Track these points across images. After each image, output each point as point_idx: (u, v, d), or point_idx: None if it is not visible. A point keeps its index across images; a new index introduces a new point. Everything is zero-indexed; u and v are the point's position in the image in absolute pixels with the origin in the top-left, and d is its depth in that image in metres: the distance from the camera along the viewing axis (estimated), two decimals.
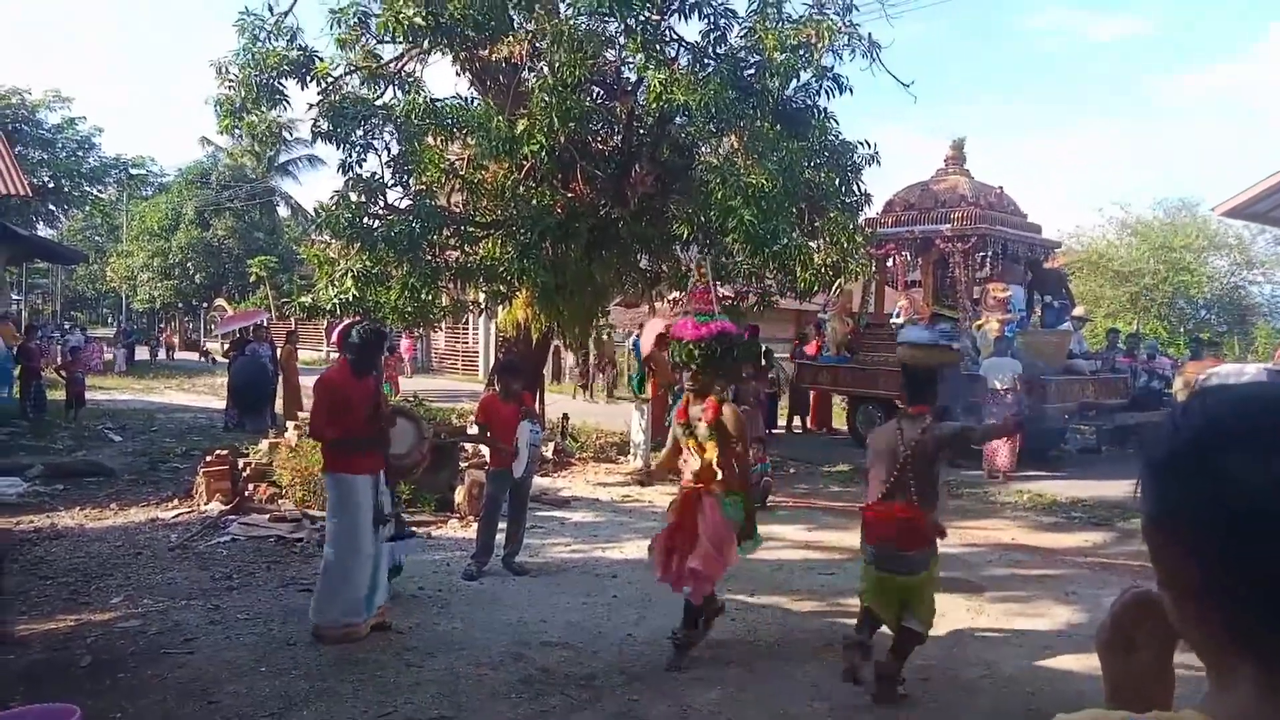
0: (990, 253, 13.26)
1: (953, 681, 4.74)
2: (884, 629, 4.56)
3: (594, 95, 9.98)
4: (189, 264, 38.81)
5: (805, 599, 6.26)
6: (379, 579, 5.40)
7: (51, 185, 33.70)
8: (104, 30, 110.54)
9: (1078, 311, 13.41)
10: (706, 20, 9.56)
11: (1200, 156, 64.28)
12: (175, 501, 8.90)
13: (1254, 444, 0.73)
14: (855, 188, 9.96)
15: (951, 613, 5.89)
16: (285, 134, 10.29)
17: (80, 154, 36.16)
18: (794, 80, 9.21)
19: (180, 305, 42.70)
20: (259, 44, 9.59)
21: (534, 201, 9.34)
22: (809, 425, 15.87)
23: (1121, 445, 13.28)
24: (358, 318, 8.59)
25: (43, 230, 34.74)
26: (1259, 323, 25.14)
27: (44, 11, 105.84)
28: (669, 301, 14.32)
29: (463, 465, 9.42)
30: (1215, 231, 25.34)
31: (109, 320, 54.25)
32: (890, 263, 14.50)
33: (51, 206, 35.81)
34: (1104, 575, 7.00)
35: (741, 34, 9.53)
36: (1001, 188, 13.72)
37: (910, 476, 4.28)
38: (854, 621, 5.56)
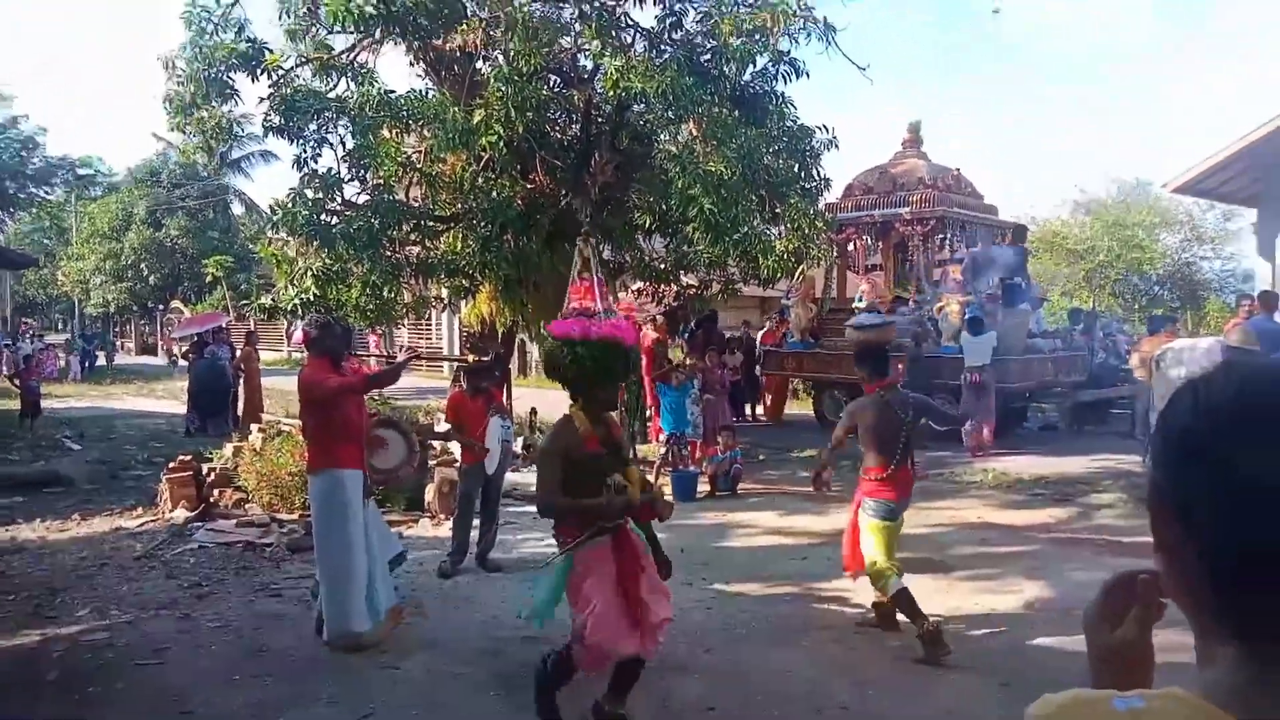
0: (949, 234, 13.42)
1: (929, 660, 4.80)
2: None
3: (551, 84, 9.91)
4: (142, 265, 37.99)
5: (780, 584, 6.31)
6: (379, 580, 5.29)
7: None
8: (44, 24, 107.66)
9: (1035, 291, 13.63)
10: (662, 6, 9.53)
11: (1156, 133, 65.39)
12: (139, 510, 8.74)
13: (1261, 430, 0.77)
14: (815, 173, 10.00)
15: (923, 592, 5.92)
16: (237, 129, 10.06)
17: (24, 154, 35.22)
18: (751, 65, 9.20)
19: (135, 308, 41.81)
20: (207, 37, 9.39)
21: (493, 193, 9.26)
22: (767, 413, 15.66)
23: (1081, 422, 13.53)
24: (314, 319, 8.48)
25: None
26: (1210, 297, 25.70)
27: None
28: (632, 292, 14.30)
29: (431, 464, 9.34)
30: (1166, 209, 25.87)
31: (59, 326, 53.00)
32: (851, 247, 14.62)
33: None
34: (1068, 550, 7.14)
35: (697, 19, 9.51)
36: (958, 169, 13.88)
37: (911, 438, 5.07)
38: (830, 606, 5.63)
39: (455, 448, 7.71)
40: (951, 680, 4.58)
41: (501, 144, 8.67)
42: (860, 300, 14.13)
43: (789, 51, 9.34)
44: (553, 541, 7.79)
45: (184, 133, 10.04)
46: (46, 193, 38.40)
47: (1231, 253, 25.68)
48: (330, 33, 9.48)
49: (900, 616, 5.08)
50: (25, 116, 35.07)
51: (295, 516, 7.96)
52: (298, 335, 24.95)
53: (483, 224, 9.31)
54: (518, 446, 11.32)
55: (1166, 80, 76.27)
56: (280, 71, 9.48)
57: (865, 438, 5.04)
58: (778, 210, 9.65)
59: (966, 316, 11.37)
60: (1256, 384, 0.80)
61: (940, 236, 13.41)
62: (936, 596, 5.92)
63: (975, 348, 11.23)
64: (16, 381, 16.17)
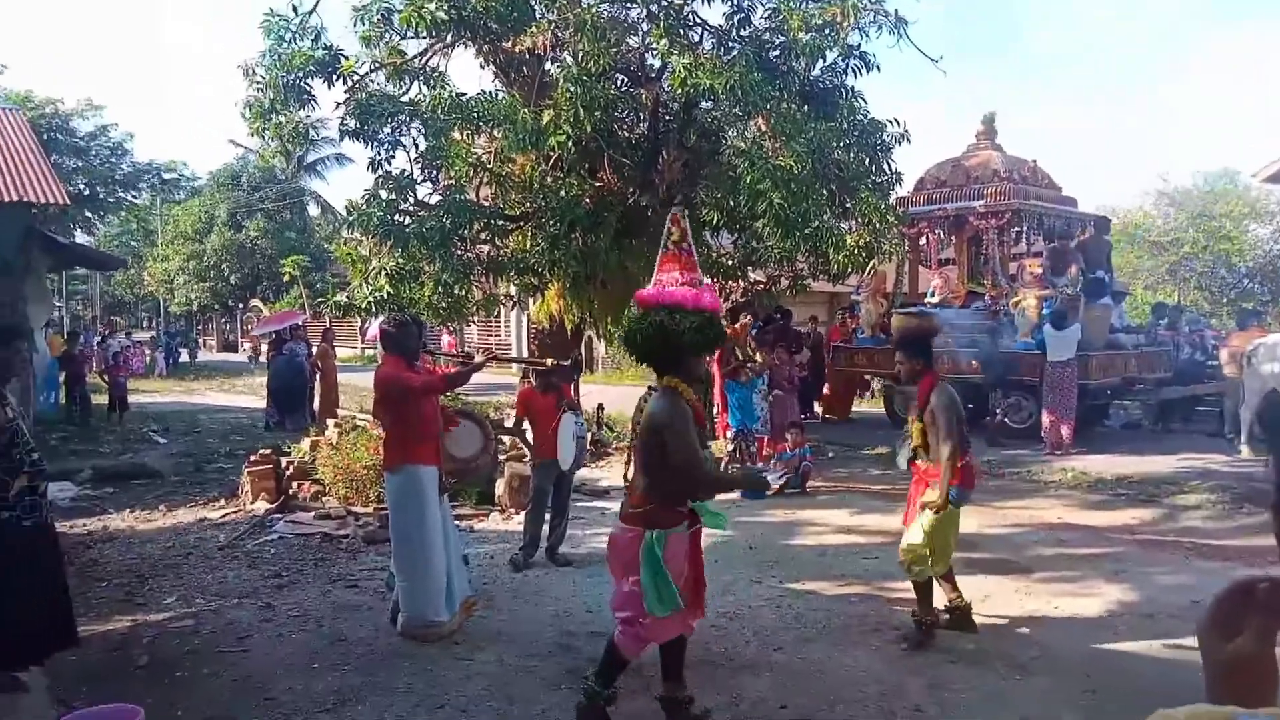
0: (1025, 228, 13.06)
1: (1007, 663, 4.69)
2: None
3: (618, 83, 9.93)
4: (223, 265, 39.39)
5: (850, 583, 6.22)
6: (454, 572, 5.39)
7: (87, 193, 34.29)
8: (130, 35, 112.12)
9: (1117, 285, 13.20)
10: (730, 3, 9.47)
11: (1244, 122, 62.45)
12: (222, 501, 9.05)
13: None
14: (886, 167, 9.83)
15: (1000, 594, 5.86)
16: (313, 133, 10.33)
17: (113, 161, 36.76)
18: (820, 60, 9.11)
19: (216, 307, 43.32)
20: (285, 44, 9.65)
21: (562, 192, 9.33)
22: (826, 409, 15.40)
23: (1166, 420, 13.06)
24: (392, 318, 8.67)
25: (80, 237, 35.42)
26: None
27: (71, 19, 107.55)
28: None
29: (501, 459, 9.46)
30: (1256, 199, 24.77)
31: (144, 324, 55.15)
32: (923, 241, 14.34)
33: (88, 213, 36.45)
34: (1153, 553, 6.89)
35: (765, 15, 9.44)
36: (1035, 161, 13.51)
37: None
38: (901, 606, 5.52)
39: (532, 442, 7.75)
40: (1031, 685, 4.46)
41: (570, 143, 8.73)
42: (933, 295, 13.87)
43: (859, 45, 9.22)
44: None
45: (263, 137, 10.33)
46: (134, 197, 40.01)
47: None
48: (403, 38, 9.65)
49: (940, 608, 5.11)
50: (115, 124, 36.62)
51: (370, 510, 8.15)
52: (372, 332, 25.53)
53: (551, 222, 9.38)
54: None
55: (1256, 63, 73.07)
56: (355, 77, 9.69)
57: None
58: (848, 205, 9.52)
59: (1046, 310, 11.07)
60: None
61: (1016, 230, 13.06)
62: (1015, 598, 5.80)
63: (1059, 342, 10.93)
64: (106, 377, 16.89)
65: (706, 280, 4.03)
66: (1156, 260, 25.32)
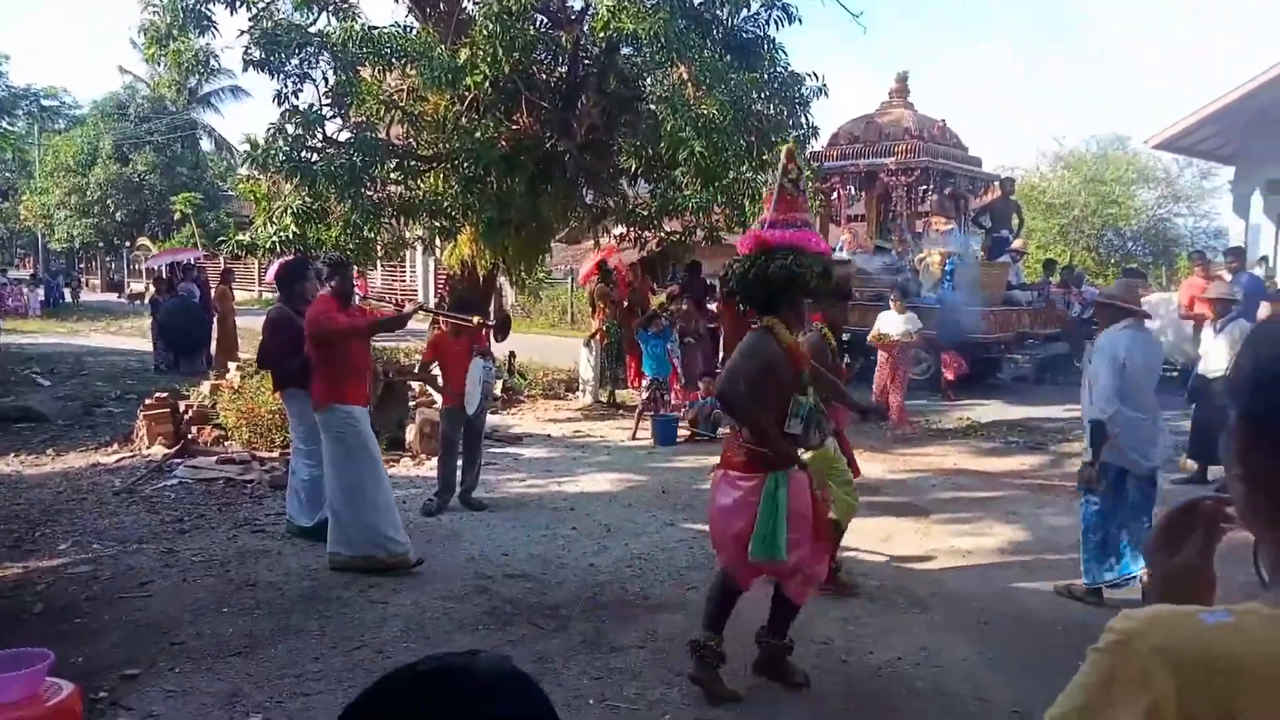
0: (932, 185, 13.41)
1: (909, 599, 4.93)
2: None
3: (538, 24, 9.69)
4: (109, 201, 37.03)
5: None
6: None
7: None
8: None
9: (1015, 245, 13.71)
10: None
11: (1137, 91, 64.92)
12: (115, 446, 8.68)
13: None
14: (803, 120, 9.89)
15: (900, 535, 6.13)
16: (213, 62, 9.76)
17: None
18: (743, 9, 9.08)
19: (101, 244, 40.92)
20: None
21: (477, 134, 9.10)
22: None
23: (1053, 372, 13.73)
24: (296, 255, 8.37)
25: None
26: (1181, 254, 25.93)
27: None
28: (614, 236, 14.19)
29: (411, 404, 9.34)
30: (1144, 165, 25.96)
31: (17, 262, 51.71)
32: (834, 196, 14.57)
33: None
34: (1042, 495, 7.30)
35: None
36: (944, 121, 13.84)
37: None
38: None
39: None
40: (929, 618, 4.70)
41: (487, 84, 8.50)
42: (841, 250, 14.13)
43: None
44: (535, 482, 7.81)
45: (159, 65, 9.74)
46: (9, 124, 37.31)
47: (1205, 210, 25.92)
48: None
49: None
50: None
51: (275, 454, 7.96)
52: (272, 273, 24.59)
53: (466, 165, 9.16)
54: (497, 389, 11.33)
55: (1147, 33, 76.14)
56: (260, 4, 9.18)
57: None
58: (765, 157, 9.57)
59: (949, 267, 11.45)
60: None
61: (924, 188, 13.40)
62: (915, 539, 6.08)
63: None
64: None
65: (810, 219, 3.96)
66: (1049, 222, 26.33)
